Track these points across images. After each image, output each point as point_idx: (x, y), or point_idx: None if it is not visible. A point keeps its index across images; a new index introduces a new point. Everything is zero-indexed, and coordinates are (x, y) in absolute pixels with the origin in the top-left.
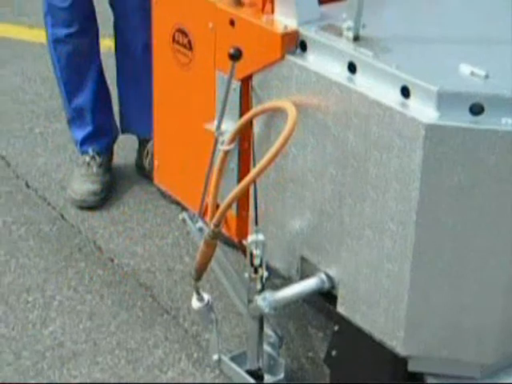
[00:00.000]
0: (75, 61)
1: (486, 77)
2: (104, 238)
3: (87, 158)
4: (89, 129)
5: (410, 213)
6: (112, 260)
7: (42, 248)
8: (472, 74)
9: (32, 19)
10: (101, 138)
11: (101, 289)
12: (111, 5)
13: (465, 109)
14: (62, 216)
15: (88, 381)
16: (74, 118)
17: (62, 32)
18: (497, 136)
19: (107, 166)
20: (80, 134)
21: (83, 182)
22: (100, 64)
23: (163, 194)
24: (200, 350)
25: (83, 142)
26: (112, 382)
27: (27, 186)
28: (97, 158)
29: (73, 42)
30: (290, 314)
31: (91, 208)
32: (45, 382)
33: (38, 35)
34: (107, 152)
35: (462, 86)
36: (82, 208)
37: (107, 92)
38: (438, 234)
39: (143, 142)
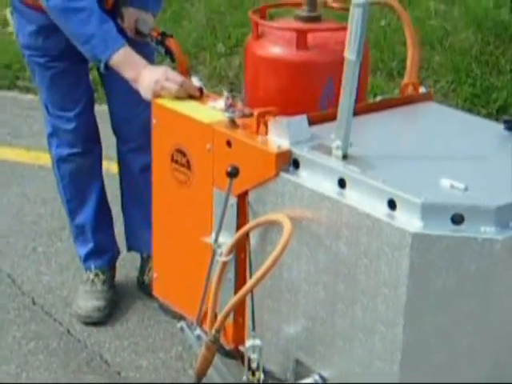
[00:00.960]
0: (78, 180)
1: (465, 189)
2: (110, 352)
3: (91, 276)
4: (90, 246)
5: (398, 316)
6: (119, 373)
7: (51, 362)
8: (452, 186)
9: (29, 141)
10: (103, 254)
11: None
12: (114, 130)
13: (447, 219)
14: (69, 331)
15: None
16: (78, 235)
17: (66, 151)
18: (477, 243)
19: (111, 283)
20: (83, 250)
21: (88, 299)
22: (102, 183)
23: (165, 310)
24: None
25: (86, 259)
26: None
27: (33, 302)
28: (100, 275)
29: (76, 161)
30: None
31: (96, 323)
32: None
33: (36, 157)
34: (110, 269)
35: (444, 198)
36: (87, 323)
37: (108, 211)
38: (425, 335)
39: (146, 259)
